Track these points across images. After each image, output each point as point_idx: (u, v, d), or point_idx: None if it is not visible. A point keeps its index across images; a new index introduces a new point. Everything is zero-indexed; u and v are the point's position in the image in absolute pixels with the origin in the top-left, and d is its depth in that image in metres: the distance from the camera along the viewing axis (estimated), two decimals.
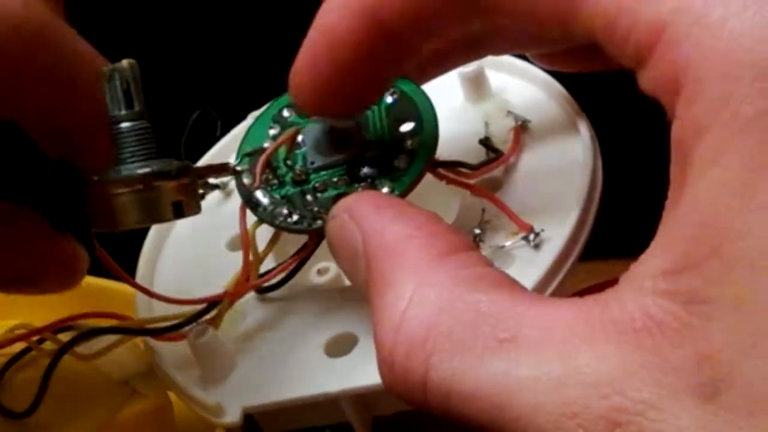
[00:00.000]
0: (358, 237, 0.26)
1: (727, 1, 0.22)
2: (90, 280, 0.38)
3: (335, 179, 0.30)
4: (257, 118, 0.32)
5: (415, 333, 0.23)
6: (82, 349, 0.33)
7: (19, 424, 0.32)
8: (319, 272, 0.34)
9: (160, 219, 0.29)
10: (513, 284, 0.24)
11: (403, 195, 0.30)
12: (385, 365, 0.24)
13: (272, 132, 0.32)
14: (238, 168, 0.31)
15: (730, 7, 0.22)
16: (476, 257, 0.25)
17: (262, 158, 0.31)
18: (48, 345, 0.33)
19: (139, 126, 0.28)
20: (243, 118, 0.33)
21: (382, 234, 0.26)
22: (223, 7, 0.55)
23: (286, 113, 0.32)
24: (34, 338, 0.33)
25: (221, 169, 0.31)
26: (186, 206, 0.28)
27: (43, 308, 0.38)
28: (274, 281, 0.32)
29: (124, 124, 0.28)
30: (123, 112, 0.28)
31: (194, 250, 0.31)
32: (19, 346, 0.34)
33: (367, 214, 0.26)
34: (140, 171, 0.27)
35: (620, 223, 0.31)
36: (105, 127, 0.28)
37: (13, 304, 0.39)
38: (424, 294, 0.24)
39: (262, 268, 0.31)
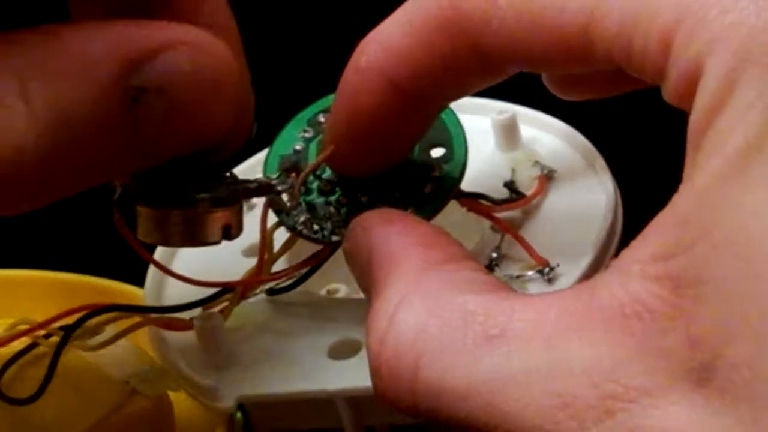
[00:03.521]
0: (367, 249, 0.27)
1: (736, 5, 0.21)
2: (92, 280, 0.39)
3: (360, 195, 0.31)
4: (293, 120, 0.33)
5: (403, 336, 0.23)
6: (87, 342, 0.33)
7: (20, 422, 0.32)
8: (329, 293, 0.35)
9: (207, 242, 0.29)
10: (502, 285, 0.24)
11: None
12: (373, 370, 0.24)
13: (305, 135, 0.33)
14: (280, 188, 0.31)
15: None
16: (471, 265, 0.25)
17: (301, 176, 0.31)
18: (53, 340, 0.33)
19: None
20: (281, 123, 0.34)
21: (386, 244, 0.26)
22: (265, 13, 0.56)
23: (321, 118, 0.33)
24: (40, 333, 0.33)
25: (266, 191, 0.31)
26: (234, 229, 0.29)
27: (44, 308, 0.38)
28: (285, 284, 0.32)
29: None
30: None
31: (210, 253, 0.31)
32: (20, 344, 0.33)
33: (377, 226, 0.27)
34: (197, 196, 0.28)
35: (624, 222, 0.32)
36: None
37: (14, 303, 0.39)
38: (412, 299, 0.24)
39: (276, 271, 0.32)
